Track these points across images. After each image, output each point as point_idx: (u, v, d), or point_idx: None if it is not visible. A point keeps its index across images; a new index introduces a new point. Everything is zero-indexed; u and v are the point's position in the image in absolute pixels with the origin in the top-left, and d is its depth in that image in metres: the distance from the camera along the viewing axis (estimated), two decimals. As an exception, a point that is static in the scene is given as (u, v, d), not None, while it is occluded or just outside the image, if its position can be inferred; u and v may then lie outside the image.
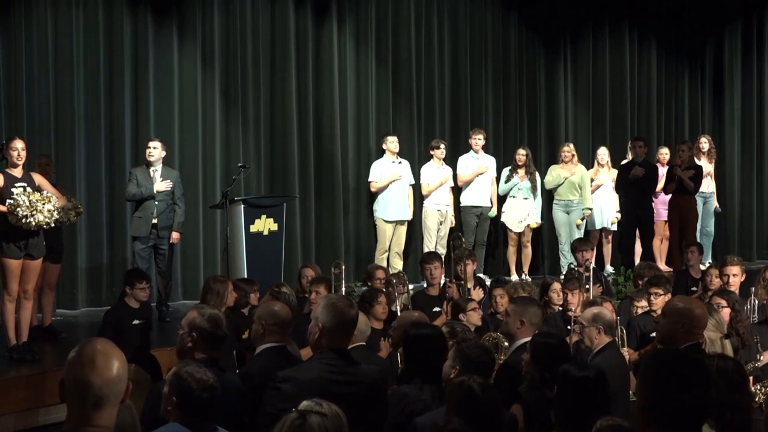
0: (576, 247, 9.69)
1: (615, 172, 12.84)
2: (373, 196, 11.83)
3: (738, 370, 3.63)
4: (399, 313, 7.04)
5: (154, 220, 9.56)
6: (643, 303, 7.58)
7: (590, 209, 12.32)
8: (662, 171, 12.64)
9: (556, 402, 4.00)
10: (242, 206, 9.40)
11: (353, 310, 4.30)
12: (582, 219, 12.30)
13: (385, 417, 4.19)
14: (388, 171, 11.63)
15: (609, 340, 5.73)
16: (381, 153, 11.92)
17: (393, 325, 6.13)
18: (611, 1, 14.40)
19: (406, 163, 11.81)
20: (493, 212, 12.26)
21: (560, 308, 7.74)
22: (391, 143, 11.67)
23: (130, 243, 10.47)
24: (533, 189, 12.28)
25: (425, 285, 8.64)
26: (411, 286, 11.04)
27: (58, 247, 8.63)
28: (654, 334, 6.28)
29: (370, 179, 11.76)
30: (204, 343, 4.75)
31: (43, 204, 7.39)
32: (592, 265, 9.02)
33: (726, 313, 6.77)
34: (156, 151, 9.65)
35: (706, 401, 2.66)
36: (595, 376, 3.89)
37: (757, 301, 7.62)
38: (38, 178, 7.76)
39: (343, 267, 8.52)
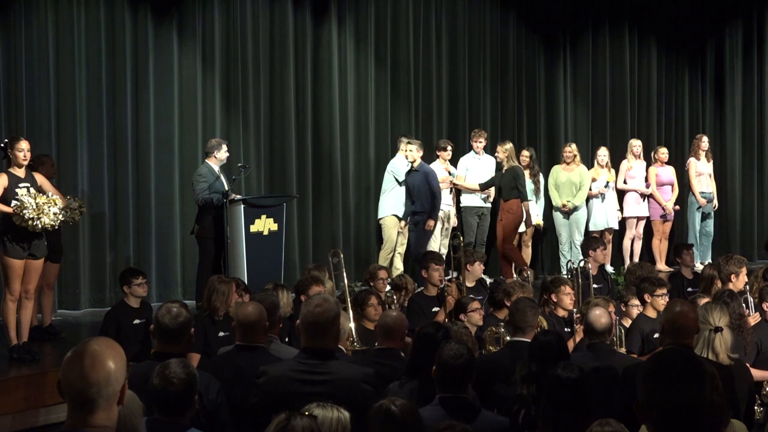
0: (590, 244, 9.65)
1: (619, 172, 12.89)
2: (377, 196, 11.80)
3: (713, 371, 3.66)
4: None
5: None
6: (637, 301, 7.56)
7: (576, 206, 12.33)
8: (667, 171, 12.80)
9: (542, 401, 4.02)
10: (242, 206, 9.42)
11: (322, 309, 4.35)
12: (562, 206, 12.33)
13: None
14: None
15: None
16: (379, 153, 11.91)
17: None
18: (611, 1, 14.41)
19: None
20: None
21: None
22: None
23: (135, 243, 10.55)
24: (536, 191, 12.32)
25: (424, 285, 8.67)
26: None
27: (56, 247, 8.64)
28: (657, 336, 6.29)
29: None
30: (156, 334, 4.84)
31: (49, 207, 7.42)
32: (589, 264, 9.00)
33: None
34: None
35: (701, 400, 2.67)
36: (579, 378, 3.91)
37: (752, 300, 7.64)
38: (40, 178, 7.78)
39: (342, 256, 8.55)
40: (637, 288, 7.74)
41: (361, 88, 12.30)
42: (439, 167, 11.87)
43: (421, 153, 10.87)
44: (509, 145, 11.38)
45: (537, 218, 12.41)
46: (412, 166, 10.86)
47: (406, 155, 10.89)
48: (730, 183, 15.25)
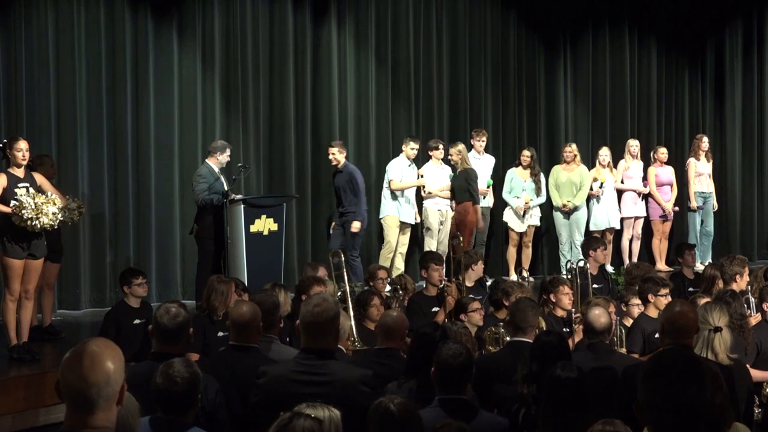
0: (590, 244, 9.63)
1: (617, 172, 12.89)
2: (378, 196, 11.79)
3: (716, 371, 3.66)
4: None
5: None
6: (638, 301, 7.56)
7: (576, 205, 12.32)
8: (667, 171, 12.78)
9: (542, 401, 4.03)
10: (242, 206, 9.42)
11: (320, 309, 4.36)
12: (563, 207, 12.33)
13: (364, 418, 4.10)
14: (409, 174, 11.60)
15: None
16: (379, 153, 11.89)
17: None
18: (611, 1, 14.41)
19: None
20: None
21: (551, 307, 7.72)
22: (412, 149, 11.51)
23: (135, 243, 10.56)
24: (537, 190, 12.31)
25: (424, 285, 8.67)
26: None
27: (57, 247, 8.65)
28: (657, 336, 6.28)
29: (391, 177, 11.56)
30: (155, 334, 4.83)
31: (48, 207, 7.42)
32: (587, 264, 8.99)
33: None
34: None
35: (701, 400, 2.67)
36: (578, 377, 3.91)
37: (753, 300, 7.63)
38: (39, 178, 7.78)
39: (342, 256, 8.55)
40: (639, 288, 7.73)
41: (362, 88, 12.30)
42: (433, 167, 11.84)
43: (344, 154, 10.72)
44: (461, 146, 11.34)
45: (536, 220, 12.47)
46: (336, 168, 10.73)
47: (330, 158, 10.72)
48: (730, 183, 15.24)
